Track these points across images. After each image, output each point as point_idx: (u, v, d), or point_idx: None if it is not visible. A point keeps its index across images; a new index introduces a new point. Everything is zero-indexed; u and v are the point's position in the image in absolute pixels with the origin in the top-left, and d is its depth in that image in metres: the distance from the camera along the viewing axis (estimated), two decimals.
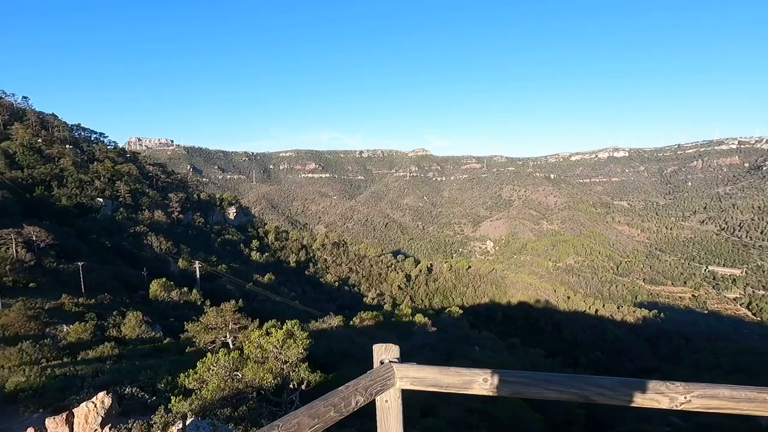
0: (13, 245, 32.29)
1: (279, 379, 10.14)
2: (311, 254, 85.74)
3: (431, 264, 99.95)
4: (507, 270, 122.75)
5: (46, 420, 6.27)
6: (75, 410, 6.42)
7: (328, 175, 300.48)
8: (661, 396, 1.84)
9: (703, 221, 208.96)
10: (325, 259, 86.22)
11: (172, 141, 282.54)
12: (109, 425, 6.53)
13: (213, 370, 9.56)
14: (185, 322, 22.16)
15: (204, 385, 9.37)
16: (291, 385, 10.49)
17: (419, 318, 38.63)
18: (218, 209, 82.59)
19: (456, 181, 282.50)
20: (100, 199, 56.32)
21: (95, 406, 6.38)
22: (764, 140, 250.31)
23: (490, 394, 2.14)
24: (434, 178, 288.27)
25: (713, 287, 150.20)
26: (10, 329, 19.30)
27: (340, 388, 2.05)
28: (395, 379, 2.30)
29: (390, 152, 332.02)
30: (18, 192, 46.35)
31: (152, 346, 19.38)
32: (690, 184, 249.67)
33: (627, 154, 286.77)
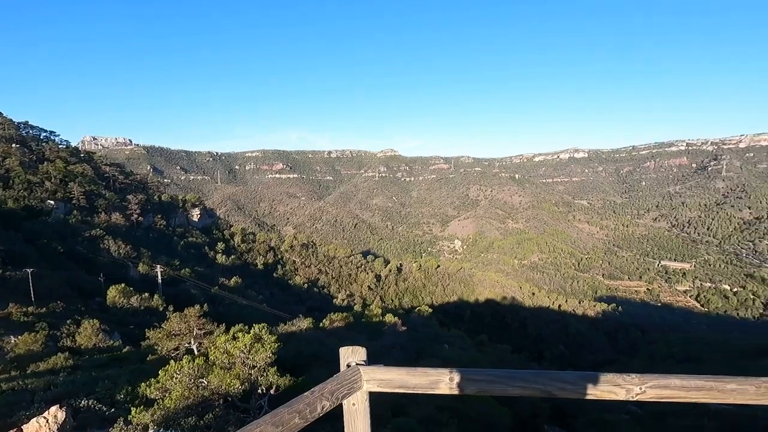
0: None
1: (247, 384, 9.90)
2: (279, 256, 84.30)
3: (401, 264, 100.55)
4: (475, 268, 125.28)
5: None
6: (24, 426, 6.03)
7: (296, 175, 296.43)
8: (618, 388, 1.94)
9: (656, 219, 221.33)
10: (294, 261, 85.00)
11: (131, 140, 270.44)
12: None
13: (176, 378, 9.22)
14: (146, 329, 21.23)
15: (167, 394, 9.02)
16: (259, 390, 10.27)
17: (389, 318, 38.74)
18: (181, 211, 79.72)
19: (424, 181, 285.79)
20: (51, 202, 53.09)
21: (47, 421, 6.02)
22: (709, 142, 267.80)
23: (457, 393, 2.17)
24: (403, 179, 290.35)
25: (666, 281, 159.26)
26: None
27: (305, 393, 2.01)
28: (362, 382, 2.29)
29: (359, 152, 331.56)
30: None
31: (110, 356, 18.45)
32: (644, 183, 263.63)
33: (586, 155, 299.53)
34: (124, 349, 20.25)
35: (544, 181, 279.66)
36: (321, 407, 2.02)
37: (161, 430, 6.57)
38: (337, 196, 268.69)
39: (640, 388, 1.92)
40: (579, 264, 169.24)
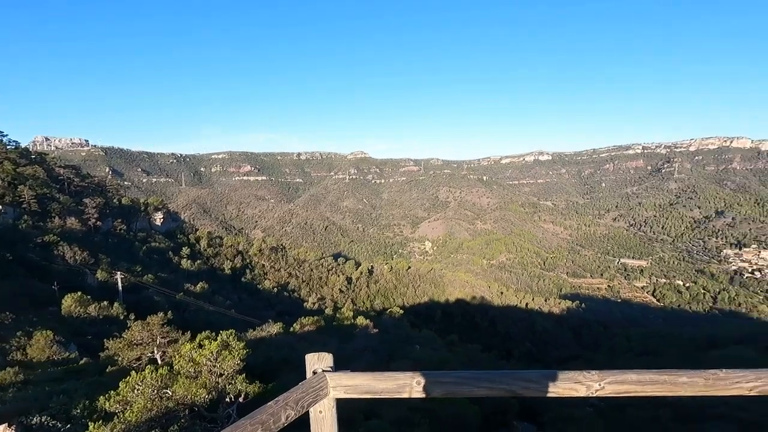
0: None
1: (214, 393, 9.61)
2: (248, 260, 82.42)
3: (372, 266, 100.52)
4: (445, 269, 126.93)
5: None
6: None
7: (264, 177, 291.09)
8: (579, 385, 2.01)
9: (615, 218, 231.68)
10: (263, 265, 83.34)
11: (87, 141, 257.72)
12: None
13: (138, 390, 8.83)
14: (105, 340, 20.24)
15: (128, 407, 8.62)
16: (227, 399, 10.00)
17: (361, 320, 38.62)
18: (143, 215, 76.57)
19: (395, 183, 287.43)
20: None
21: None
22: (663, 146, 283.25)
23: (424, 396, 2.17)
24: (373, 181, 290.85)
25: (625, 278, 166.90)
26: None
27: (269, 403, 1.96)
28: (328, 389, 2.26)
29: (329, 155, 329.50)
30: None
31: (66, 368, 17.45)
32: (604, 185, 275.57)
33: (550, 158, 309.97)
34: (81, 361, 19.23)
35: (510, 183, 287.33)
36: (285, 417, 1.97)
37: None
38: (307, 199, 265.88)
39: (600, 384, 2.01)
40: (544, 263, 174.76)
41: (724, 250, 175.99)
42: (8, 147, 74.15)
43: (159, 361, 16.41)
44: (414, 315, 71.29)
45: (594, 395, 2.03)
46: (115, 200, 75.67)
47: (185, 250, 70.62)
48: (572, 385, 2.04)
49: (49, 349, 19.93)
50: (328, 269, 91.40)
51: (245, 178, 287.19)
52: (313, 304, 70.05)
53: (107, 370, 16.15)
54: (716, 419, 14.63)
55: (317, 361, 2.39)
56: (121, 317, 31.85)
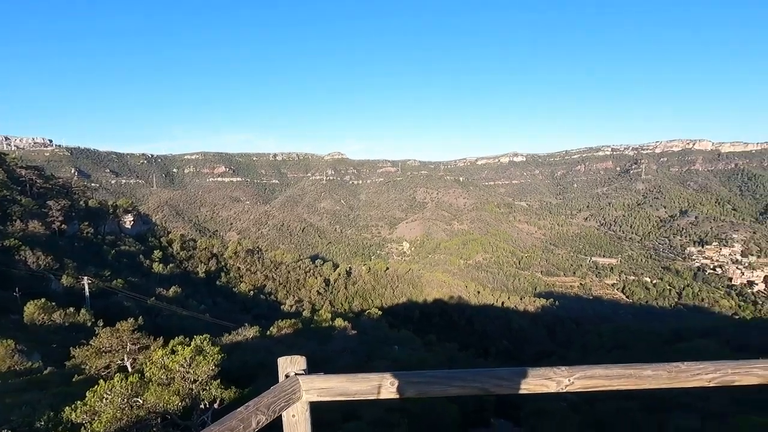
0: None
1: (188, 400, 9.38)
2: (223, 263, 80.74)
3: (350, 267, 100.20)
4: (423, 269, 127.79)
5: None
6: None
7: (239, 179, 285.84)
8: (549, 381, 2.07)
9: (586, 218, 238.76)
10: (239, 268, 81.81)
11: (51, 141, 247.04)
12: None
13: (107, 399, 8.52)
14: (71, 348, 19.44)
15: (96, 417, 8.31)
16: (202, 406, 9.77)
17: (339, 322, 38.44)
18: (112, 218, 73.90)
19: (372, 184, 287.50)
20: None
21: None
22: (630, 148, 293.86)
23: (398, 396, 2.17)
24: (351, 182, 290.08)
25: (596, 275, 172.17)
26: None
27: (239, 409, 1.92)
28: (301, 392, 2.23)
29: (306, 155, 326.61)
30: None
31: (29, 379, 16.66)
32: (576, 185, 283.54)
33: (525, 159, 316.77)
34: (46, 371, 18.40)
35: (486, 183, 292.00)
36: (256, 422, 1.92)
37: None
38: (284, 200, 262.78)
39: (569, 380, 2.07)
40: (520, 262, 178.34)
41: (688, 248, 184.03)
42: None
43: (129, 369, 15.88)
44: (392, 316, 71.42)
45: (564, 390, 2.09)
46: (81, 202, 72.74)
47: (157, 254, 68.62)
48: (543, 381, 2.09)
49: (11, 359, 18.98)
50: (306, 271, 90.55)
51: (220, 179, 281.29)
52: (291, 306, 69.27)
53: (74, 380, 15.53)
54: (680, 409, 15.29)
55: (290, 365, 2.35)
56: (89, 324, 30.65)
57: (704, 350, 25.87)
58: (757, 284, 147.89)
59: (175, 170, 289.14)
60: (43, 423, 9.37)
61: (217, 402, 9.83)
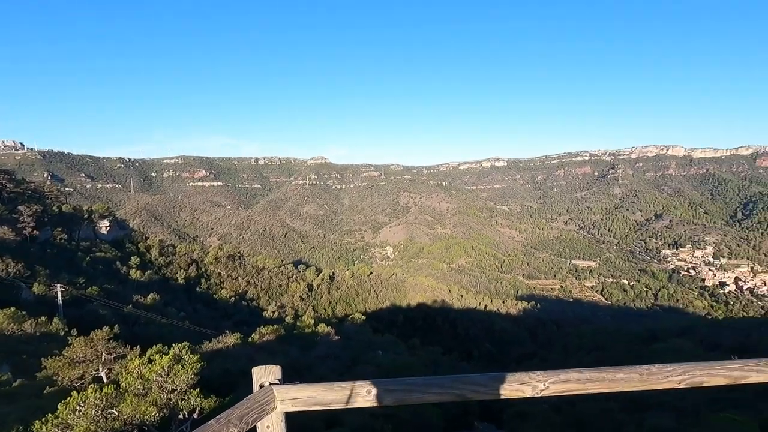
0: None
1: (165, 410, 9.16)
2: (203, 269, 79.20)
3: (333, 272, 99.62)
4: (406, 274, 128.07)
5: None
6: None
7: (220, 183, 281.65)
8: (525, 386, 2.10)
9: (566, 222, 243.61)
10: (219, 274, 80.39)
11: (22, 144, 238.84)
12: None
13: (80, 411, 8.25)
14: (43, 358, 18.75)
15: (68, 431, 8.03)
16: (180, 416, 9.56)
17: (322, 328, 38.21)
18: (86, 223, 71.74)
19: (356, 188, 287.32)
20: None
21: None
22: (608, 153, 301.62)
23: (374, 405, 2.13)
24: (334, 186, 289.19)
25: (576, 278, 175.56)
26: None
27: (210, 422, 1.88)
28: (275, 402, 2.19)
29: (288, 160, 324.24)
30: None
31: None
32: (555, 190, 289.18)
33: (506, 164, 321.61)
34: (15, 383, 17.69)
35: (468, 188, 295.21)
36: None
37: None
38: (266, 205, 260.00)
39: (544, 384, 2.11)
40: (502, 266, 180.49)
41: (663, 251, 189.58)
42: None
43: (105, 380, 15.41)
44: (376, 320, 71.26)
45: (540, 395, 2.13)
46: (54, 207, 70.48)
47: (134, 260, 66.87)
48: (519, 386, 2.11)
49: None
50: (288, 276, 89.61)
51: (200, 183, 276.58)
52: (273, 312, 68.34)
53: (45, 392, 14.97)
54: (657, 407, 15.69)
55: (264, 374, 2.31)
56: (62, 333, 29.62)
57: (679, 350, 26.63)
58: (728, 285, 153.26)
59: (153, 174, 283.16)
60: None
61: (197, 411, 9.63)
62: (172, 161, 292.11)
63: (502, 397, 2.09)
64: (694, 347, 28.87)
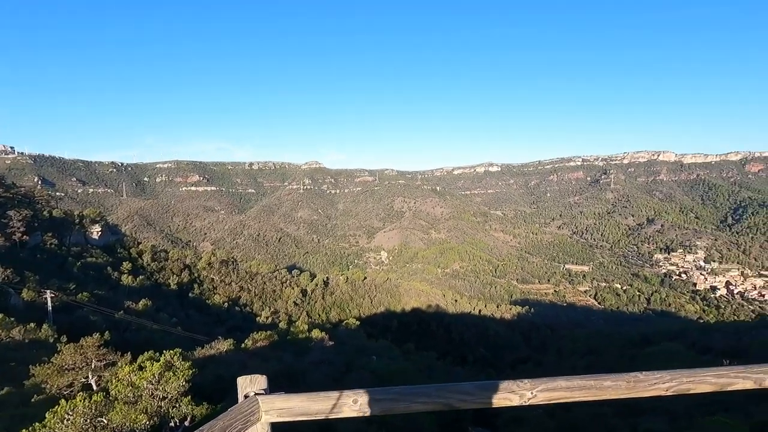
0: None
1: (156, 418, 9.05)
2: (196, 274, 78.58)
3: (327, 277, 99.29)
4: (401, 278, 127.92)
5: None
6: None
7: (214, 188, 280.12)
8: (512, 394, 2.10)
9: (559, 227, 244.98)
10: (212, 279, 79.80)
11: (13, 148, 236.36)
12: None
13: (68, 420, 8.13)
14: (31, 366, 18.46)
15: None
16: (172, 424, 9.44)
17: (316, 333, 37.97)
18: (78, 228, 71.00)
19: (350, 193, 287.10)
20: None
21: None
22: (600, 159, 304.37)
23: (361, 415, 2.11)
24: (328, 191, 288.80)
25: (569, 282, 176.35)
26: None
27: None
28: (260, 413, 2.15)
29: (282, 164, 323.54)
30: None
31: None
32: (549, 195, 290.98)
33: (499, 169, 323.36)
34: (2, 391, 17.39)
35: (463, 193, 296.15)
36: None
37: None
38: (260, 210, 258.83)
39: (532, 393, 2.11)
40: (496, 270, 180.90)
41: (655, 255, 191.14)
42: None
43: (94, 387, 15.20)
44: (370, 325, 71.03)
45: (527, 404, 2.13)
46: (45, 212, 69.72)
47: (126, 265, 66.24)
48: (507, 395, 2.10)
49: None
50: (282, 282, 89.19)
51: (193, 188, 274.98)
52: (267, 318, 67.92)
53: (33, 400, 14.73)
54: (650, 412, 15.76)
55: (249, 384, 2.27)
56: (51, 340, 29.20)
57: (672, 353, 26.82)
58: (719, 289, 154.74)
59: (146, 179, 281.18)
60: None
61: (188, 419, 9.53)
62: (165, 166, 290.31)
63: (490, 405, 2.09)
64: (686, 351, 29.09)
